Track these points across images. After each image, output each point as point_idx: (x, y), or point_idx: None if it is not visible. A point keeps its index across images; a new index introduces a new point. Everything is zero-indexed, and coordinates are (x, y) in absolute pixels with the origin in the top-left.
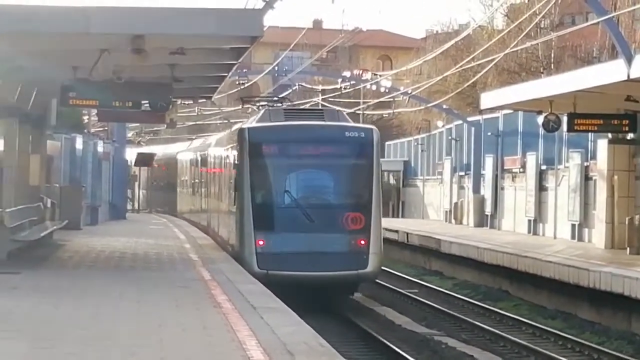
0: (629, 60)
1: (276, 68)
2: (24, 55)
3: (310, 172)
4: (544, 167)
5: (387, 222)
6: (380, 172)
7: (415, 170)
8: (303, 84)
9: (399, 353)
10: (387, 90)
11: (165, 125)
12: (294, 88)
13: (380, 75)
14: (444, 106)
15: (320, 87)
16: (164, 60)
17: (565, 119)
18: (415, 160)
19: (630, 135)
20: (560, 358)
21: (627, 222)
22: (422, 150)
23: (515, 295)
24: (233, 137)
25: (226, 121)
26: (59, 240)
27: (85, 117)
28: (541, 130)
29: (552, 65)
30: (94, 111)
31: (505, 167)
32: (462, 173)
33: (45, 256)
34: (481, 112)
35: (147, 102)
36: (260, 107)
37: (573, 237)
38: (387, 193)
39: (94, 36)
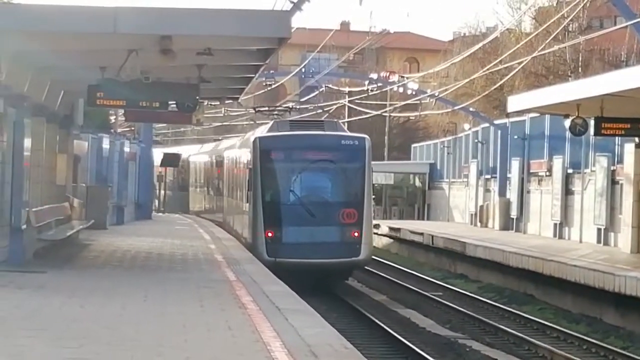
0: None
1: (303, 70)
2: (52, 55)
3: (311, 175)
4: (570, 171)
5: (412, 225)
6: (372, 175)
7: (441, 173)
8: (330, 85)
9: (422, 356)
10: (413, 93)
11: (192, 126)
12: (320, 90)
13: (407, 78)
14: (471, 109)
15: (347, 89)
16: (191, 60)
17: (592, 122)
18: (441, 162)
19: None
20: None
21: None
22: (448, 153)
23: (540, 299)
24: (246, 144)
25: (252, 122)
26: (84, 240)
27: (112, 117)
28: (568, 134)
29: (580, 68)
30: (121, 111)
31: (531, 171)
32: (488, 176)
33: (71, 256)
34: (508, 115)
35: (174, 102)
36: (271, 116)
37: (599, 241)
38: (412, 195)
39: (122, 36)
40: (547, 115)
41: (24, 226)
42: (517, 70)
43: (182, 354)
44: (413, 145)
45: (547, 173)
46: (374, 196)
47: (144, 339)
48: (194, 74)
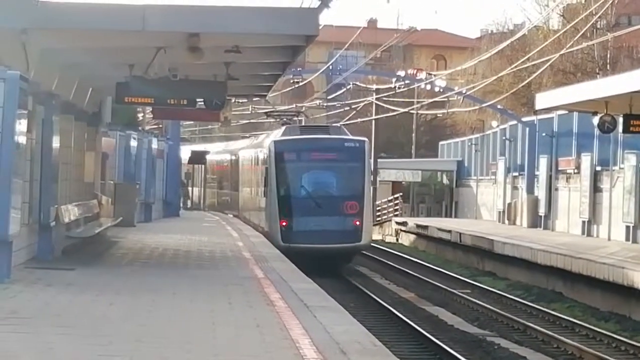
0: None
1: (330, 67)
2: (80, 53)
3: (318, 172)
4: (598, 168)
5: (440, 222)
6: (370, 172)
7: (468, 171)
8: (357, 83)
9: (451, 353)
10: (441, 90)
11: (220, 124)
12: (348, 87)
13: (434, 75)
14: (499, 106)
15: (374, 87)
16: (219, 58)
17: (621, 120)
18: (469, 160)
19: None
20: None
21: None
22: (475, 151)
23: (568, 297)
24: (261, 145)
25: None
26: (113, 237)
27: (140, 115)
28: (596, 131)
29: (608, 66)
30: (149, 109)
31: (559, 168)
32: (516, 173)
33: (99, 253)
34: (536, 112)
35: (202, 100)
36: (282, 119)
37: (627, 239)
38: (440, 193)
39: (150, 34)
40: (575, 113)
41: (53, 223)
42: (545, 67)
43: (210, 350)
44: (440, 143)
45: (575, 170)
46: (401, 193)
47: (173, 336)
48: (221, 72)
